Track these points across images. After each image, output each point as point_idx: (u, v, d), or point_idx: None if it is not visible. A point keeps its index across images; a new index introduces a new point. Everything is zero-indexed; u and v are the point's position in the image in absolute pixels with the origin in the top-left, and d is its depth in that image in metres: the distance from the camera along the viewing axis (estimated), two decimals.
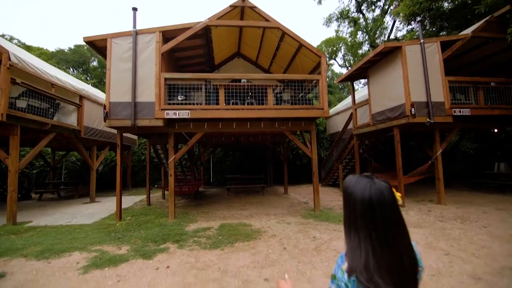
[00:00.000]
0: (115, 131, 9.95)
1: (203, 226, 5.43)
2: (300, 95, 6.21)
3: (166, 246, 4.22)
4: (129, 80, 5.65)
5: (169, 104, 5.77)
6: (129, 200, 9.48)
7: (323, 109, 5.95)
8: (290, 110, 5.83)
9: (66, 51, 30.53)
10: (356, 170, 9.23)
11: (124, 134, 11.72)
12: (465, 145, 14.67)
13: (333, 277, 0.88)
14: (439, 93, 6.81)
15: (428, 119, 6.57)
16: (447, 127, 7.29)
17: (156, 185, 8.26)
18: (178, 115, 5.58)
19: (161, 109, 5.59)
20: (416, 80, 6.66)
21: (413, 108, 6.41)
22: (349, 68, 24.72)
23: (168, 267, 3.42)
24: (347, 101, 12.66)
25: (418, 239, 4.46)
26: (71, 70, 29.69)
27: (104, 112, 5.56)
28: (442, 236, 4.54)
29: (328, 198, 8.79)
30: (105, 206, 8.31)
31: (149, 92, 5.68)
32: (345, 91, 29.18)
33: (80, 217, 6.79)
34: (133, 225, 5.59)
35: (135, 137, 13.23)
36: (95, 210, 7.68)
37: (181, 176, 10.23)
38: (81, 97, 8.70)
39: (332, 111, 13.35)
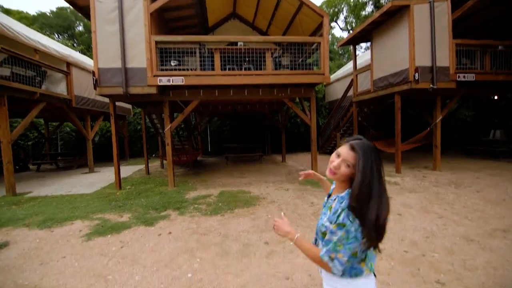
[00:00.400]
0: (108, 100, 9.68)
1: (202, 194, 5.50)
2: (300, 59, 5.90)
3: (167, 213, 4.29)
4: (118, 44, 5.27)
5: (162, 70, 5.46)
6: (128, 170, 9.52)
7: (323, 74, 5.70)
8: (289, 76, 5.58)
9: (48, 14, 28.36)
10: None
11: (118, 104, 11.31)
12: (463, 113, 14.60)
13: (342, 225, 0.96)
14: (445, 57, 6.52)
15: (431, 85, 6.38)
16: (449, 93, 7.12)
17: (154, 155, 8.23)
18: (172, 82, 5.32)
19: (154, 76, 5.31)
20: (422, 43, 6.32)
21: (417, 73, 6.18)
22: (351, 31, 23.51)
23: (170, 233, 3.50)
24: (347, 67, 12.22)
25: (413, 203, 4.57)
26: (56, 36, 27.88)
27: (93, 79, 5.27)
28: (436, 201, 4.66)
29: (326, 166, 8.88)
30: (104, 176, 8.35)
31: (140, 57, 5.34)
32: (345, 57, 28.09)
33: (80, 186, 6.84)
34: (133, 193, 5.65)
35: (129, 106, 12.90)
36: (95, 180, 7.72)
37: (179, 146, 10.20)
38: (69, 64, 8.24)
39: (332, 78, 12.95)
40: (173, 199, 5.10)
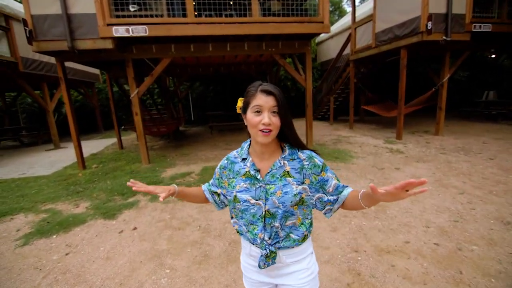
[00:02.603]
0: (66, 63, 8.19)
1: (182, 171, 4.71)
2: (294, 4, 4.74)
3: (135, 200, 3.50)
4: None
5: (118, 17, 4.22)
6: (100, 144, 8.49)
7: (323, 22, 4.63)
8: (280, 24, 4.48)
9: None
10: (350, 102, 8.44)
11: (83, 68, 9.84)
12: (458, 72, 13.98)
13: (324, 165, 0.94)
14: (461, 2, 5.54)
15: (444, 36, 5.48)
16: (459, 47, 6.27)
17: (123, 127, 7.19)
18: (132, 33, 4.14)
19: (107, 24, 4.09)
20: None
21: (430, 22, 5.22)
22: None
23: (135, 228, 2.74)
24: (343, 21, 10.93)
25: (424, 175, 3.99)
26: None
27: (26, 30, 4.00)
28: (450, 171, 4.09)
29: (319, 133, 8.19)
30: (70, 153, 7.29)
31: None
32: (336, 14, 26.02)
33: (39, 167, 5.84)
34: (98, 174, 4.76)
35: (96, 71, 11.28)
36: (58, 158, 6.71)
37: (156, 115, 9.09)
38: (7, 18, 6.61)
39: (324, 35, 11.66)
40: (146, 179, 4.29)
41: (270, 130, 0.85)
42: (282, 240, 0.92)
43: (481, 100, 9.86)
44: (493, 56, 12.79)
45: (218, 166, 1.07)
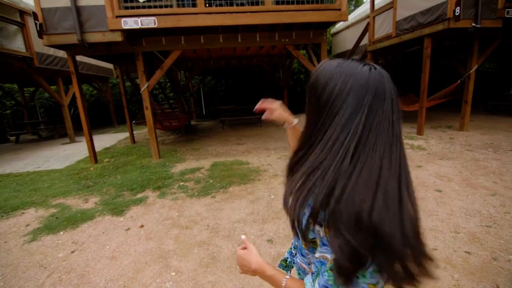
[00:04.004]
0: (80, 58, 8.27)
1: (192, 166, 4.62)
2: None
3: (144, 195, 3.43)
4: None
5: (127, 8, 4.11)
6: (114, 138, 8.59)
7: (340, 10, 4.33)
8: (294, 12, 4.22)
9: None
10: None
11: (97, 63, 9.95)
12: (484, 64, 13.09)
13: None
14: None
15: (473, 23, 5.03)
16: (489, 35, 5.77)
17: (134, 121, 7.21)
18: (141, 24, 4.02)
19: (116, 16, 3.99)
20: None
21: (458, 7, 4.79)
22: None
23: (142, 226, 2.65)
24: (360, 10, 10.41)
25: (450, 173, 3.69)
26: None
27: (36, 24, 3.98)
28: (477, 170, 3.76)
29: None
30: (84, 147, 7.32)
31: None
32: (352, 4, 25.04)
33: (54, 160, 5.95)
34: (109, 168, 4.76)
35: (111, 66, 11.39)
36: (73, 151, 6.82)
37: (168, 110, 9.08)
38: (23, 13, 6.69)
39: (340, 25, 11.18)
40: (156, 174, 4.22)
41: None
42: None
43: (508, 94, 9.19)
44: None
45: None
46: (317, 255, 0.54)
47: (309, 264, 0.65)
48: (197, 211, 2.95)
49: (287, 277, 0.62)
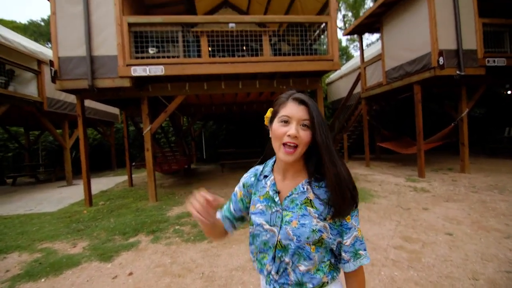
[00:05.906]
0: (88, 103, 8.66)
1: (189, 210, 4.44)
2: (308, 42, 4.91)
3: (136, 240, 3.23)
4: (82, 28, 4.30)
5: (138, 58, 4.48)
6: (111, 181, 8.47)
7: (332, 60, 4.71)
8: (291, 63, 4.59)
9: (39, 22, 27.65)
10: (364, 139, 8.21)
11: (103, 109, 10.39)
12: (474, 110, 13.68)
13: None
14: (471, 39, 5.58)
15: (458, 71, 5.41)
16: (475, 82, 6.16)
17: (133, 163, 7.20)
18: (149, 72, 4.33)
19: (127, 65, 4.32)
20: (445, 24, 5.39)
21: (441, 57, 5.21)
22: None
23: (131, 273, 2.43)
24: (352, 62, 11.33)
25: (459, 215, 3.53)
26: (48, 44, 27.09)
27: (51, 70, 4.28)
28: (487, 212, 3.62)
29: None
30: (80, 190, 7.20)
31: (109, 42, 4.37)
32: (344, 58, 27.36)
33: (47, 203, 5.76)
34: (103, 211, 4.58)
35: (116, 111, 11.88)
36: (68, 195, 6.65)
37: (168, 153, 9.16)
38: (40, 62, 7.27)
39: (334, 76, 12.03)
40: (151, 218, 4.04)
41: (296, 146, 0.73)
42: (292, 285, 0.75)
43: (504, 136, 9.40)
44: (508, 92, 12.64)
45: (241, 184, 0.92)
46: (347, 242, 0.75)
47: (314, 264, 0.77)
48: (192, 257, 2.74)
49: None
